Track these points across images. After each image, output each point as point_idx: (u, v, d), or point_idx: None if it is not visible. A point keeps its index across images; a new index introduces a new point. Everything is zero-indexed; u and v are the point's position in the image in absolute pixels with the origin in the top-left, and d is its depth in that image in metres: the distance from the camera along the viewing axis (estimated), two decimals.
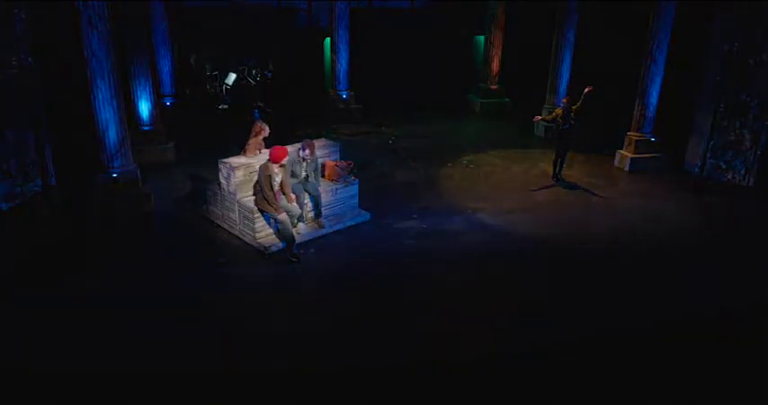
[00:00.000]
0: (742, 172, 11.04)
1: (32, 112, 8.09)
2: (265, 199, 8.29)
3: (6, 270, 7.70)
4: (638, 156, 12.26)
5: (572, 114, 11.11)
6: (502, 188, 11.33)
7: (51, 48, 11.16)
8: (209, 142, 13.01)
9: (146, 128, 11.94)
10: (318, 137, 11.35)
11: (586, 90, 11.03)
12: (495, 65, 17.08)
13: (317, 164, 9.25)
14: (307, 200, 9.10)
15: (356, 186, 9.85)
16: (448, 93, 18.15)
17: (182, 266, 8.23)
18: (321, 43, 17.18)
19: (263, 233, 8.82)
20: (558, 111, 11.47)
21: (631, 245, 9.22)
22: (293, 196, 8.76)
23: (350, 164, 9.87)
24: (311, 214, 9.27)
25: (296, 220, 8.82)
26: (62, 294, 7.44)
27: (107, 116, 9.04)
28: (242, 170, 8.96)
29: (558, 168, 11.68)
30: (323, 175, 9.75)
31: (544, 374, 6.33)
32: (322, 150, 9.95)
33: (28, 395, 5.80)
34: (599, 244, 9.25)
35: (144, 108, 11.77)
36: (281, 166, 8.41)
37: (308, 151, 8.76)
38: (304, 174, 8.94)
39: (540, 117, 12.04)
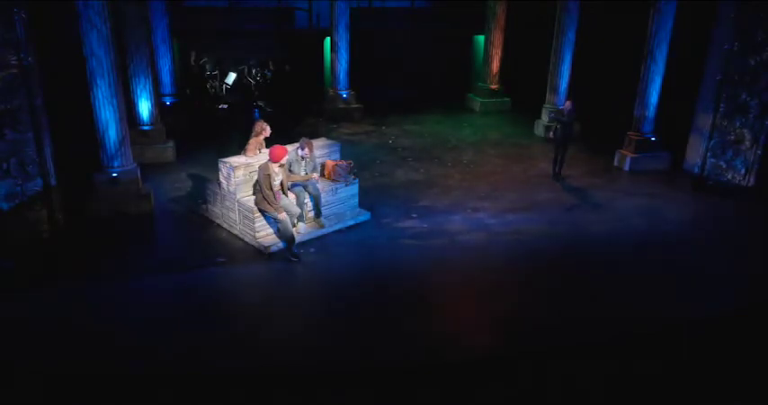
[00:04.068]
0: (742, 172, 11.02)
1: (32, 112, 8.09)
2: (265, 199, 8.29)
3: (6, 269, 7.71)
4: (637, 155, 12.26)
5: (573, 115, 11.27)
6: (502, 188, 11.32)
7: (51, 48, 11.16)
8: (209, 142, 13.03)
9: (146, 127, 11.93)
10: (318, 136, 11.36)
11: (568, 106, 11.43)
12: (495, 65, 17.07)
13: (315, 163, 9.26)
14: (307, 199, 9.10)
15: (356, 186, 9.85)
16: (448, 93, 18.16)
17: (182, 266, 8.22)
18: (321, 43, 17.19)
19: (263, 233, 8.81)
20: (560, 110, 11.54)
21: (631, 244, 9.21)
22: (292, 195, 8.79)
23: (350, 163, 9.87)
24: (311, 214, 9.27)
25: (296, 220, 8.82)
26: (62, 294, 7.44)
27: (107, 116, 9.03)
28: (242, 170, 8.95)
29: (558, 167, 11.69)
30: (322, 175, 9.75)
31: (544, 375, 6.33)
32: (322, 150, 9.95)
33: (27, 395, 5.80)
34: (598, 243, 9.25)
35: (144, 107, 11.77)
36: (280, 166, 8.43)
37: (306, 150, 8.78)
38: (303, 173, 8.94)
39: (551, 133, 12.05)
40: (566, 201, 10.82)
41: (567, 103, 11.57)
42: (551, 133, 11.75)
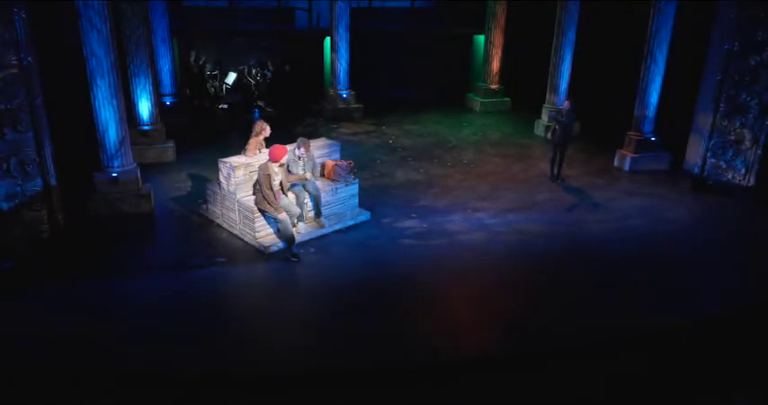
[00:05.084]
0: (742, 172, 11.02)
1: (32, 112, 8.09)
2: (265, 199, 8.30)
3: (6, 269, 7.71)
4: (637, 155, 12.26)
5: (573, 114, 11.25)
6: (502, 188, 11.32)
7: (51, 48, 11.16)
8: (210, 142, 13.04)
9: (146, 127, 11.93)
10: (318, 136, 11.37)
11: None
12: (495, 65, 17.07)
13: (315, 163, 9.27)
14: (307, 199, 9.10)
15: (356, 186, 9.85)
16: (448, 92, 18.16)
17: (181, 266, 8.22)
18: (321, 43, 17.19)
19: (264, 233, 8.82)
20: (560, 110, 11.49)
21: (631, 244, 9.20)
22: (292, 195, 8.80)
23: (350, 163, 9.88)
24: (311, 214, 9.27)
25: (296, 220, 8.82)
26: (62, 294, 7.44)
27: (107, 116, 9.03)
28: (242, 170, 8.96)
29: (557, 168, 11.63)
30: (322, 174, 9.76)
31: (544, 374, 6.33)
32: (322, 150, 9.96)
33: (27, 395, 5.80)
34: (598, 243, 9.25)
35: (144, 107, 11.77)
36: (280, 166, 8.43)
37: (302, 149, 8.81)
38: (302, 172, 8.96)
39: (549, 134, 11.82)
40: (566, 201, 10.82)
41: (566, 103, 11.51)
42: (549, 134, 11.66)
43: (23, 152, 8.17)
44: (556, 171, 11.66)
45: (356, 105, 16.12)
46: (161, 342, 6.61)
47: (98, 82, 8.83)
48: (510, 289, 7.96)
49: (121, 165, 9.39)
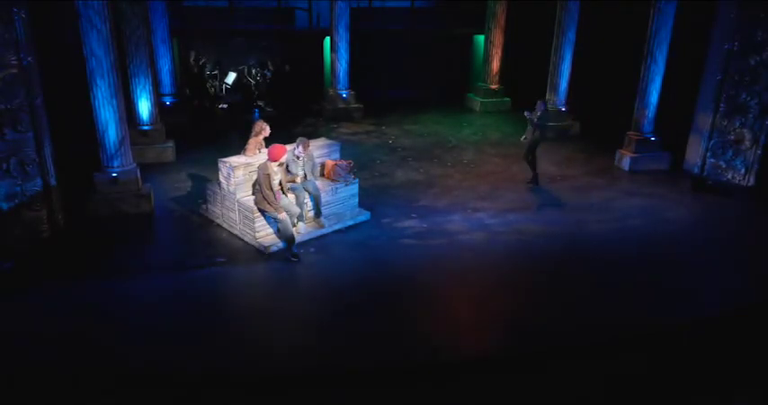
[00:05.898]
0: (742, 172, 11.02)
1: (32, 112, 8.09)
2: (265, 199, 8.30)
3: (6, 269, 7.71)
4: (637, 155, 12.26)
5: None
6: (502, 188, 11.32)
7: (51, 48, 11.16)
8: (210, 142, 13.03)
9: (146, 127, 11.93)
10: (318, 136, 11.37)
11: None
12: (495, 65, 17.08)
13: (314, 163, 9.27)
14: (307, 199, 9.11)
15: (356, 186, 9.85)
16: (448, 92, 18.17)
17: (181, 266, 8.22)
18: (321, 43, 17.20)
19: (263, 233, 8.82)
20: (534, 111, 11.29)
21: (630, 244, 9.20)
22: (292, 194, 8.79)
23: (350, 163, 9.88)
24: (311, 214, 9.27)
25: (296, 220, 8.82)
26: (61, 294, 7.44)
27: (107, 116, 9.03)
28: (242, 170, 8.96)
29: (531, 171, 11.44)
30: (322, 174, 9.76)
31: (544, 374, 6.33)
32: (322, 150, 9.96)
33: (27, 395, 5.80)
34: (598, 243, 9.24)
35: (144, 107, 11.77)
36: (279, 165, 8.43)
37: (301, 148, 8.81)
38: (301, 172, 8.96)
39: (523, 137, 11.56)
40: (566, 200, 10.82)
41: (539, 104, 11.11)
42: (523, 137, 11.48)
43: (23, 152, 8.17)
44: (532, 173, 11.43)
45: (356, 105, 16.12)
46: (161, 342, 6.61)
47: (98, 82, 8.84)
48: (510, 289, 7.96)
49: (121, 165, 9.39)
